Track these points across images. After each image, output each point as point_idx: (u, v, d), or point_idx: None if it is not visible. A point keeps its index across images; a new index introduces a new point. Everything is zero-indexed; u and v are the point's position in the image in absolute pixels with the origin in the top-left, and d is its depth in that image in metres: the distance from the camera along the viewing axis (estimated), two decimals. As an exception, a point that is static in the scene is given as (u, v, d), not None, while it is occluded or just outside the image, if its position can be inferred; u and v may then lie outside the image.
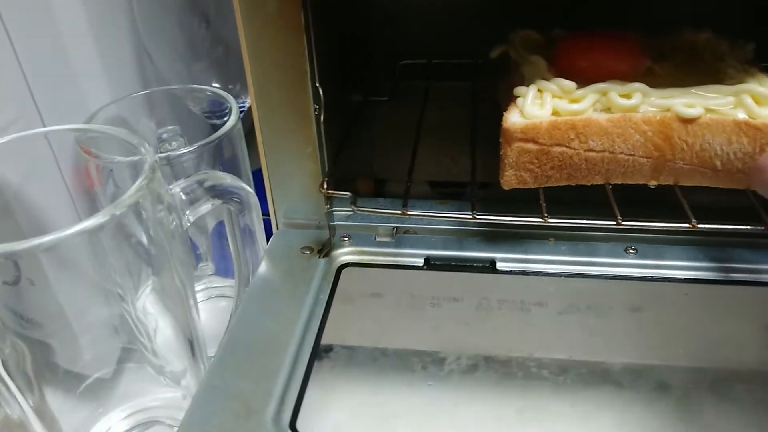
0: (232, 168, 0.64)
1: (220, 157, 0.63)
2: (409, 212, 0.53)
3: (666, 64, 0.58)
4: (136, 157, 0.51)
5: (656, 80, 0.55)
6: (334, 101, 0.64)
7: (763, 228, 0.51)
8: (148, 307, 0.56)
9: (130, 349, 0.59)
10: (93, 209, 0.61)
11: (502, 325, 0.54)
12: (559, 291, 0.57)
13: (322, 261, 0.58)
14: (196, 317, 0.57)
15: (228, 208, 0.57)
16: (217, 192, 0.56)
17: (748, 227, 0.52)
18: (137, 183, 0.47)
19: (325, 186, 0.57)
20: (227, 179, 0.57)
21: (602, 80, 0.54)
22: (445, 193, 0.74)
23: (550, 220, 0.52)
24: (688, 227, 0.51)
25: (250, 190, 0.59)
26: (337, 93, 0.66)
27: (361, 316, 0.55)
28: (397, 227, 0.62)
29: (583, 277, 0.58)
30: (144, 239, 0.51)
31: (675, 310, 0.55)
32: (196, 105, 0.72)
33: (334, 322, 0.54)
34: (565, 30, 0.64)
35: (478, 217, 0.53)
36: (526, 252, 0.59)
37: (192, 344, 0.58)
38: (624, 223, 0.52)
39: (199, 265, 0.78)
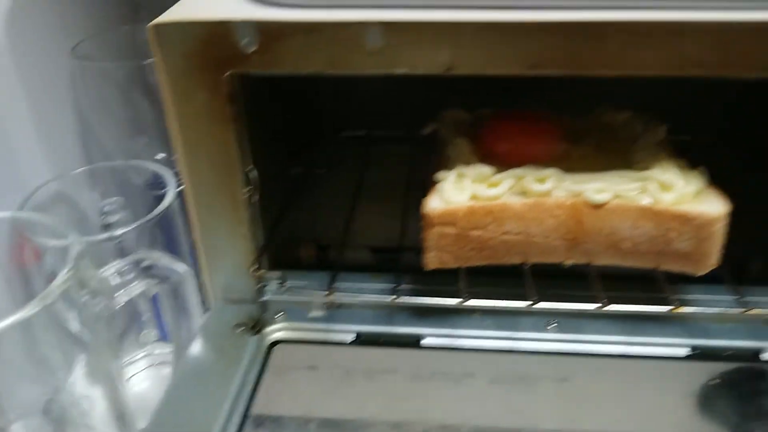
0: (172, 242, 0.66)
1: (161, 232, 0.64)
2: (336, 292, 0.55)
3: (583, 146, 0.61)
4: (68, 241, 0.52)
5: (572, 163, 0.58)
6: (272, 177, 0.66)
7: (669, 309, 0.54)
8: (79, 386, 0.57)
9: (62, 428, 0.60)
10: (29, 287, 0.62)
11: (435, 395, 0.56)
12: (486, 364, 0.59)
13: (254, 338, 0.59)
14: (126, 393, 0.58)
15: (163, 287, 0.59)
16: (153, 272, 0.58)
17: (655, 309, 0.54)
18: (64, 271, 0.49)
19: (257, 266, 0.58)
20: (162, 259, 0.59)
21: (522, 163, 0.57)
22: (385, 258, 0.76)
23: (466, 304, 0.54)
24: (598, 308, 0.54)
25: (187, 268, 0.60)
26: (276, 168, 0.68)
27: (293, 390, 0.56)
28: (330, 302, 0.63)
29: (507, 352, 0.60)
30: (73, 323, 0.52)
31: (596, 383, 0.57)
32: (138, 178, 0.73)
33: (264, 397, 0.55)
34: (493, 110, 0.67)
35: (397, 301, 0.55)
36: (452, 326, 0.61)
37: (123, 420, 0.59)
38: (536, 306, 0.54)
39: (142, 332, 0.79)
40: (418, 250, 0.58)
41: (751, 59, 0.47)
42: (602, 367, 0.58)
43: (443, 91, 0.70)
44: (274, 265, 0.66)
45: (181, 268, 0.58)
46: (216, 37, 0.49)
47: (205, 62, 0.51)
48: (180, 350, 0.60)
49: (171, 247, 0.68)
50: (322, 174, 0.77)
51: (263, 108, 0.63)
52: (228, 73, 0.51)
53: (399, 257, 0.64)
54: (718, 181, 0.62)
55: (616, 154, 0.60)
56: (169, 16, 0.50)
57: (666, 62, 0.48)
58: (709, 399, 0.55)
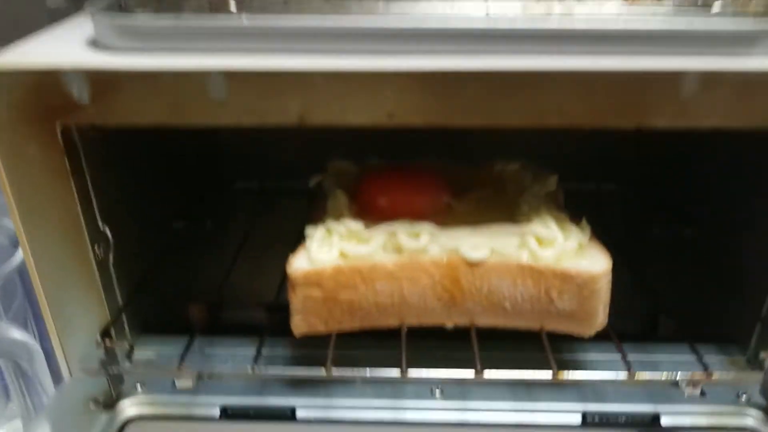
0: (20, 312, 0.60)
1: (7, 300, 0.58)
2: (185, 367, 0.50)
3: (466, 199, 0.58)
4: None
5: (454, 218, 0.55)
6: (141, 232, 0.61)
7: (550, 378, 0.50)
8: None
9: None
10: None
11: None
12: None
13: (105, 416, 0.53)
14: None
15: (4, 362, 0.52)
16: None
17: (533, 376, 0.51)
18: None
19: (107, 335, 0.53)
20: (8, 333, 0.52)
21: (402, 218, 0.53)
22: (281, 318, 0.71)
23: (334, 374, 0.50)
24: (474, 377, 0.49)
25: (33, 342, 0.54)
26: (147, 223, 0.63)
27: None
28: (200, 372, 0.58)
29: (391, 425, 0.55)
30: None
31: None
32: (2, 236, 0.67)
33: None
34: (382, 161, 0.64)
35: (257, 372, 0.50)
36: (329, 396, 0.56)
37: None
38: (409, 376, 0.50)
39: (8, 405, 0.71)
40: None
41: (616, 109, 0.45)
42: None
43: (341, 141, 0.66)
44: (144, 330, 0.61)
45: (22, 337, 0.52)
46: (44, 86, 0.45)
47: (34, 113, 0.46)
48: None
49: (19, 316, 0.62)
50: (209, 228, 0.72)
51: (125, 159, 0.59)
52: (61, 125, 0.46)
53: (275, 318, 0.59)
54: (620, 231, 0.60)
55: (502, 207, 0.57)
56: (-7, 60, 0.45)
57: (526, 112, 0.45)
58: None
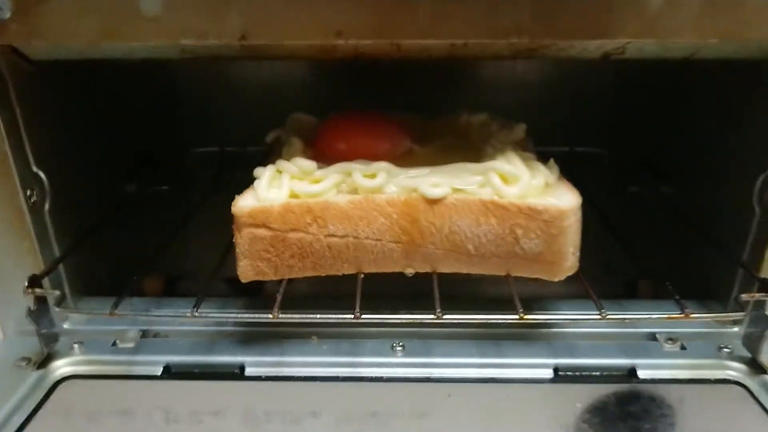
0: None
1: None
2: (117, 312, 0.46)
3: (430, 145, 0.55)
4: None
5: (414, 161, 0.51)
6: (86, 189, 0.57)
7: (516, 317, 0.46)
8: None
9: None
10: None
11: None
12: (327, 397, 0.49)
13: (35, 374, 0.49)
14: None
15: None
16: None
17: (497, 317, 0.47)
18: None
19: (29, 284, 0.48)
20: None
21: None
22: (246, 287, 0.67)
23: (280, 316, 0.46)
24: (434, 318, 0.46)
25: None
26: (93, 180, 0.60)
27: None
28: (144, 330, 0.54)
29: (349, 381, 0.51)
30: None
31: (457, 416, 0.48)
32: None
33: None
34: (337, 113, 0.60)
35: (196, 314, 0.46)
36: (282, 354, 0.52)
37: None
38: (363, 316, 0.46)
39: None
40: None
41: (577, 22, 0.42)
42: (461, 393, 0.49)
43: (303, 103, 0.63)
44: (83, 292, 0.56)
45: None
46: (-37, 1, 0.41)
47: (-47, 33, 0.42)
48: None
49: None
50: (165, 193, 0.68)
51: (70, 105, 0.55)
52: (-15, 46, 0.43)
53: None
54: (597, 192, 0.57)
55: (466, 152, 0.53)
56: None
57: (483, 28, 0.42)
58: (581, 426, 0.47)
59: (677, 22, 0.41)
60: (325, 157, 0.52)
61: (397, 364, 0.51)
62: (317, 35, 0.42)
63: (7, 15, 0.41)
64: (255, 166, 0.69)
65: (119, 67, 0.56)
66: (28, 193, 0.49)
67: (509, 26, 0.42)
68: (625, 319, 0.50)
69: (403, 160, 0.51)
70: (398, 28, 0.42)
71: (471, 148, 0.54)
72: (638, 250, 0.58)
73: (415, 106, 0.62)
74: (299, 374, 0.51)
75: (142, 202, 0.66)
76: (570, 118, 0.74)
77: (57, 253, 0.52)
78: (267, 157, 0.59)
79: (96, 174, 0.60)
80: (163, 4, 0.41)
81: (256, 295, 0.64)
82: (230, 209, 0.63)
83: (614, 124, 0.74)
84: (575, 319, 0.50)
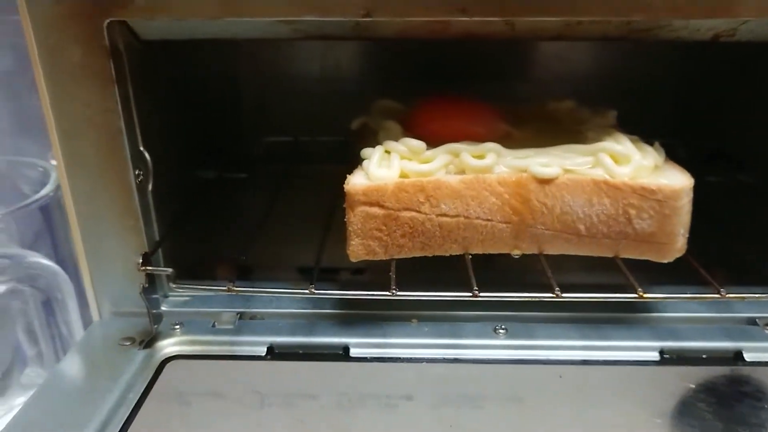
0: (53, 245, 0.56)
1: (39, 234, 0.54)
2: (236, 287, 0.46)
3: (525, 129, 0.55)
4: None
5: (515, 144, 0.51)
6: (174, 174, 0.57)
7: (636, 296, 0.46)
8: None
9: None
10: None
11: (369, 428, 0.45)
12: (425, 380, 0.49)
13: (142, 353, 0.49)
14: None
15: (30, 291, 0.48)
16: (15, 272, 0.47)
17: (617, 295, 0.47)
18: None
19: (143, 262, 0.48)
20: (29, 257, 0.48)
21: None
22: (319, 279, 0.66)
23: (398, 293, 0.45)
24: (552, 297, 0.45)
25: (58, 268, 0.50)
26: (180, 165, 0.60)
27: (187, 420, 0.45)
28: (241, 312, 0.53)
29: (450, 362, 0.50)
30: None
31: (554, 397, 0.48)
32: (25, 184, 0.63)
33: (145, 428, 0.44)
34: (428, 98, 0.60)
35: (316, 291, 0.46)
36: (384, 335, 0.51)
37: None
38: (481, 294, 0.46)
39: (25, 371, 0.66)
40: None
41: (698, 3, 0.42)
42: (563, 375, 0.49)
43: (376, 94, 0.63)
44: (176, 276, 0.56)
45: (51, 264, 0.47)
46: (92, -24, 0.42)
47: (80, 8, 0.43)
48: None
49: (56, 258, 0.57)
50: (241, 181, 0.68)
51: (164, 83, 0.55)
52: (107, 21, 0.43)
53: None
54: None
55: (563, 136, 0.53)
56: (37, -50, 0.42)
57: (609, 4, 0.42)
58: (687, 409, 0.46)
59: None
60: (423, 139, 0.52)
61: (500, 347, 0.51)
62: (441, 12, 0.42)
63: (136, -10, 0.42)
64: (327, 158, 0.70)
65: (202, 51, 0.56)
66: (136, 172, 0.49)
67: (632, 3, 0.42)
68: (744, 297, 0.49)
69: (504, 142, 0.51)
70: (520, 4, 0.42)
71: (566, 133, 0.54)
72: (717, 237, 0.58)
73: (483, 95, 0.62)
74: (403, 355, 0.50)
75: (221, 189, 0.66)
76: (642, 109, 0.74)
77: (156, 233, 0.52)
78: (357, 143, 0.59)
79: (182, 158, 0.60)
80: (290, -22, 0.41)
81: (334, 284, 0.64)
82: (304, 201, 0.63)
83: (686, 113, 0.74)
84: (694, 297, 0.50)
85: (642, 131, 0.73)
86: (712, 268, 0.67)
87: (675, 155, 0.73)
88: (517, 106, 0.60)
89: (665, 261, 0.48)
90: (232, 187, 0.68)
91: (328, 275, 0.59)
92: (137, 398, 0.45)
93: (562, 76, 0.77)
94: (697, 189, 0.66)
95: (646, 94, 0.75)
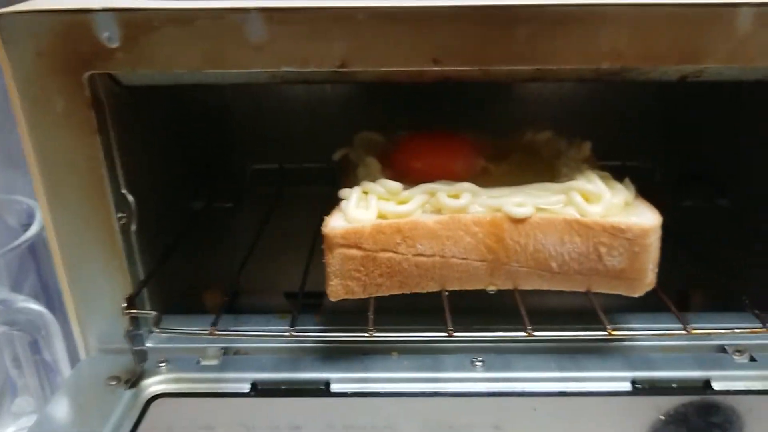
0: (40, 282, 0.57)
1: (19, 281, 0.55)
2: (218, 332, 0.47)
3: (502, 163, 0.56)
4: None
5: (491, 180, 0.53)
6: (163, 207, 0.58)
7: (605, 333, 0.48)
8: None
9: None
10: None
11: None
12: (407, 412, 0.51)
13: (128, 393, 0.50)
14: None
15: (18, 334, 0.49)
16: (4, 316, 0.48)
17: (587, 333, 0.48)
18: None
19: (131, 306, 0.50)
20: (18, 301, 0.49)
21: (436, 180, 0.51)
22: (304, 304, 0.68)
23: (376, 335, 0.47)
24: (525, 336, 0.47)
25: (45, 310, 0.51)
26: (167, 200, 0.61)
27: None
28: (225, 348, 0.55)
29: (430, 396, 0.52)
30: None
31: (532, 428, 0.49)
32: (12, 217, 0.64)
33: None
34: (409, 132, 0.62)
35: (295, 334, 0.47)
36: (365, 369, 0.53)
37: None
38: (456, 334, 0.47)
39: (15, 401, 0.67)
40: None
41: (671, 49, 0.43)
42: (538, 407, 0.51)
43: (360, 121, 0.65)
44: (162, 310, 0.57)
45: (37, 308, 0.48)
46: (73, 30, 0.43)
47: (62, 61, 0.44)
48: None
49: (43, 294, 0.58)
50: (230, 212, 0.69)
51: (147, 126, 0.56)
52: (88, 74, 0.44)
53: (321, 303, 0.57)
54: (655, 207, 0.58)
55: (539, 170, 0.55)
56: (18, 5, 0.43)
57: (580, 54, 0.43)
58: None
59: (764, 48, 0.43)
60: (401, 175, 0.53)
61: (477, 379, 0.52)
62: (414, 62, 0.44)
63: (116, 44, 0.43)
64: (313, 181, 0.71)
65: (185, 89, 0.57)
66: (119, 215, 0.50)
67: (604, 53, 0.43)
68: (709, 333, 0.51)
69: (480, 179, 0.53)
70: (493, 56, 0.44)
71: (543, 166, 0.56)
72: (698, 262, 0.59)
73: (465, 125, 0.63)
74: (383, 390, 0.52)
75: (209, 219, 0.67)
76: (620, 133, 0.75)
77: (141, 272, 0.53)
78: (337, 175, 0.60)
79: (169, 193, 0.61)
80: (269, 33, 0.42)
81: (318, 309, 0.65)
82: (291, 227, 0.64)
83: (665, 138, 0.75)
84: (661, 334, 0.51)
85: (622, 155, 0.75)
86: (688, 293, 0.69)
87: (653, 179, 0.75)
88: (497, 138, 0.61)
89: (635, 295, 0.50)
90: (221, 216, 0.69)
91: (315, 299, 0.60)
92: (125, 439, 0.46)
93: (545, 102, 0.78)
94: (674, 213, 0.68)
95: (627, 118, 0.76)
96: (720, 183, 0.68)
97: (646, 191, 0.66)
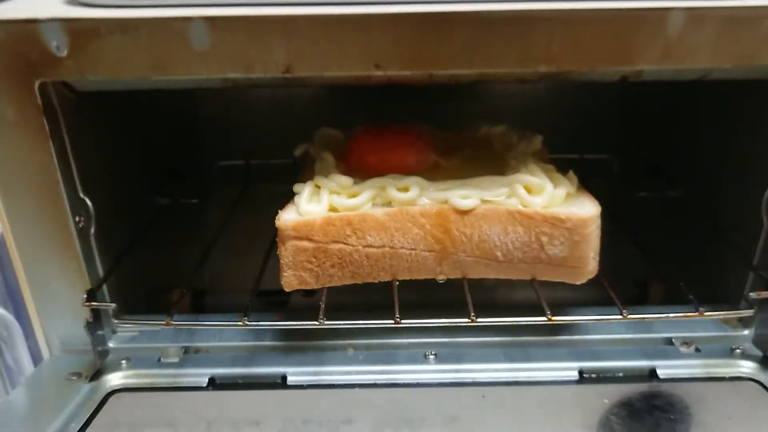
0: (4, 283, 0.58)
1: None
2: (173, 321, 0.49)
3: (454, 157, 0.58)
4: None
5: (442, 174, 0.55)
6: (123, 209, 0.60)
7: (545, 319, 0.49)
8: None
9: None
10: None
11: None
12: (363, 404, 0.52)
13: (87, 386, 0.51)
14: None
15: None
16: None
17: (527, 318, 0.50)
18: None
19: (87, 298, 0.51)
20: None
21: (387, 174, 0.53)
22: (274, 302, 0.69)
23: (326, 323, 0.49)
24: (468, 322, 0.49)
25: (6, 314, 0.52)
26: (129, 200, 0.62)
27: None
28: (186, 347, 0.56)
29: (385, 387, 0.53)
30: None
31: (487, 417, 0.51)
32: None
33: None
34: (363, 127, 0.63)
35: (248, 323, 0.49)
36: (321, 363, 0.54)
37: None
38: (403, 321, 0.49)
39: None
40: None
41: (604, 51, 0.44)
42: (490, 396, 0.52)
43: (325, 118, 0.66)
44: (125, 307, 0.59)
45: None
46: (21, 39, 0.44)
47: (12, 70, 0.45)
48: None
49: (9, 300, 0.60)
50: (195, 206, 0.70)
51: (104, 128, 0.57)
52: (39, 82, 0.45)
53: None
54: (611, 198, 0.60)
55: (490, 164, 0.57)
56: (-33, 18, 0.44)
57: (516, 57, 0.45)
58: (602, 423, 0.50)
59: (694, 49, 0.44)
60: (355, 170, 0.55)
61: (430, 371, 0.54)
62: (357, 67, 0.45)
63: (64, 53, 0.44)
64: (279, 178, 0.72)
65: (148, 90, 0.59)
66: (77, 219, 0.51)
67: (539, 56, 0.44)
68: (644, 318, 0.53)
69: (431, 172, 0.54)
70: (432, 60, 0.45)
71: (493, 159, 0.58)
72: (649, 255, 0.61)
73: (429, 120, 0.65)
74: (338, 382, 0.53)
75: (174, 215, 0.68)
76: (578, 126, 0.77)
77: (101, 271, 0.55)
78: (299, 170, 0.61)
79: (131, 192, 0.62)
80: (213, 39, 0.44)
81: (283, 307, 0.67)
82: (257, 224, 0.66)
83: (622, 131, 0.77)
84: (599, 319, 0.53)
85: (581, 148, 0.77)
86: (640, 286, 0.71)
87: (610, 170, 0.77)
88: (453, 132, 0.63)
89: (578, 283, 0.52)
90: (187, 212, 0.70)
91: (278, 297, 0.62)
92: (79, 428, 0.47)
93: (507, 97, 0.80)
94: (628, 204, 0.70)
95: (586, 111, 0.78)
96: (673, 176, 0.70)
97: (605, 183, 0.69)
